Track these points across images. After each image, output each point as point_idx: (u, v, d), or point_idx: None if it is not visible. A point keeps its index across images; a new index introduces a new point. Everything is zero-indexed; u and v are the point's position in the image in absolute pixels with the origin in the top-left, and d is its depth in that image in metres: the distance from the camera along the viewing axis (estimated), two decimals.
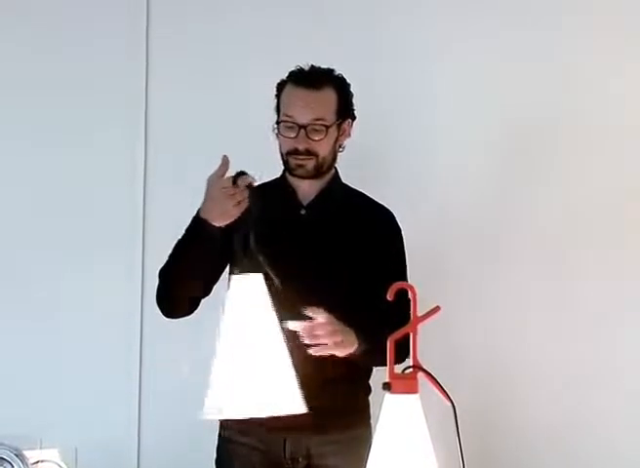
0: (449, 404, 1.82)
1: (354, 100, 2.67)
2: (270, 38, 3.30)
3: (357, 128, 2.68)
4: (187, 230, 2.52)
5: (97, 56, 3.35)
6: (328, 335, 2.39)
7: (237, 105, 3.30)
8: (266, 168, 2.65)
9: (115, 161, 3.36)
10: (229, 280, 1.91)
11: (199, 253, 2.47)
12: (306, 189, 2.67)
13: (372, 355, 2.50)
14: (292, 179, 2.67)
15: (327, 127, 2.59)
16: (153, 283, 2.61)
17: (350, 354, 2.46)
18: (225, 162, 2.30)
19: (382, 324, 2.53)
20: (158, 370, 3.27)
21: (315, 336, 2.36)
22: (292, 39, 3.27)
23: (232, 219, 2.33)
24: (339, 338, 2.41)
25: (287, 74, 2.65)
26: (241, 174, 2.27)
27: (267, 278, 1.95)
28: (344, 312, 2.57)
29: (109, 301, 3.34)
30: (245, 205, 2.26)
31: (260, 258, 1.87)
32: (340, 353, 2.43)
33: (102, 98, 3.35)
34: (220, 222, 2.38)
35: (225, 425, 2.64)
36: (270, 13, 3.33)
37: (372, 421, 2.61)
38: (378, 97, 3.21)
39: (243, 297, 1.83)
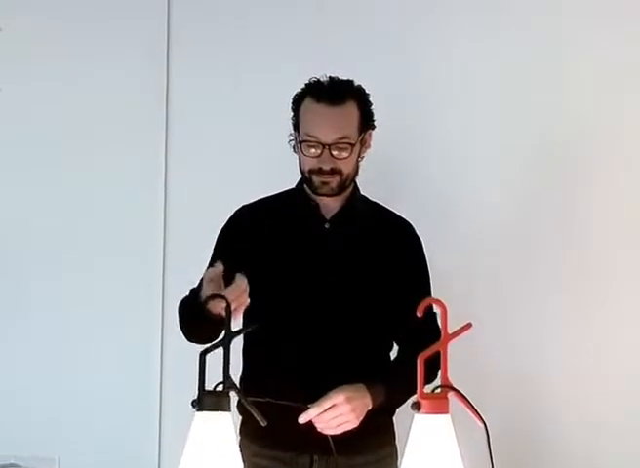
0: (481, 425, 1.76)
1: (374, 110, 2.57)
2: (298, 44, 3.25)
3: (383, 140, 2.62)
4: (191, 291, 2.44)
5: (118, 79, 3.33)
6: (347, 419, 2.35)
7: (257, 118, 3.24)
8: (287, 180, 2.61)
9: (136, 190, 3.33)
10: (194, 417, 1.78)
11: (199, 319, 2.34)
12: (329, 203, 2.58)
13: (393, 401, 2.48)
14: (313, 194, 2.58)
15: (352, 145, 2.49)
16: (174, 306, 2.55)
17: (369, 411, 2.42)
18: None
19: (401, 361, 2.55)
20: (178, 390, 3.18)
21: (338, 425, 2.34)
22: (314, 49, 3.21)
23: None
24: (357, 413, 2.36)
25: (304, 87, 2.53)
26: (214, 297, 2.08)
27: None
28: (369, 331, 2.53)
29: (130, 321, 3.28)
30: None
31: (236, 393, 1.78)
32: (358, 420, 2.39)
33: (125, 122, 3.33)
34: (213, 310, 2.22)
35: (248, 445, 2.56)
36: (292, 22, 3.28)
37: (397, 442, 2.57)
38: (405, 107, 3.16)
39: (207, 439, 1.73)
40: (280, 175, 2.59)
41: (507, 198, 3.16)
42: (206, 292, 2.23)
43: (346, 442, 2.35)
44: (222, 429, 1.73)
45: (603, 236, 3.11)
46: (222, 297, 1.92)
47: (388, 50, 3.21)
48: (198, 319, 2.28)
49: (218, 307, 2.11)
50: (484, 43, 3.18)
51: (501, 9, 3.17)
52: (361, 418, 2.37)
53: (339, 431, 2.34)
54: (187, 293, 2.49)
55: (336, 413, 2.33)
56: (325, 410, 2.32)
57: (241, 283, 2.18)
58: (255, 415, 1.84)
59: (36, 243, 3.32)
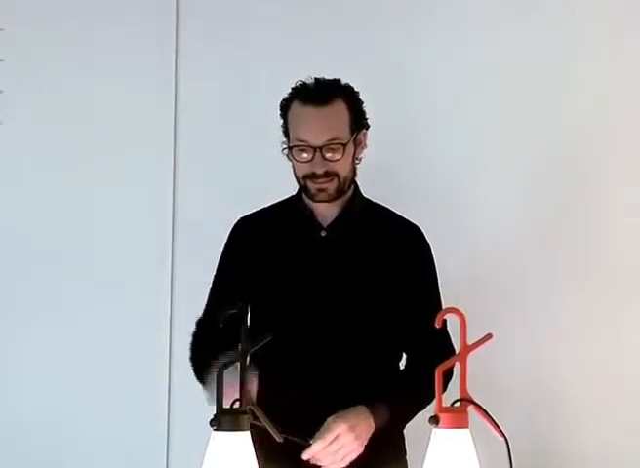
0: (502, 439, 1.71)
1: (370, 109, 2.50)
2: (304, 47, 3.22)
3: (389, 140, 2.56)
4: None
5: (126, 87, 3.30)
6: (352, 448, 2.28)
7: (267, 123, 3.19)
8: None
9: (143, 191, 3.29)
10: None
11: None
12: (326, 209, 2.50)
13: (398, 419, 2.42)
14: (309, 200, 2.50)
15: (344, 145, 2.41)
16: (182, 312, 2.50)
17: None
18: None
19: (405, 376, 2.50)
20: (187, 400, 3.12)
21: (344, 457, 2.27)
22: (326, 48, 3.18)
23: None
24: (361, 440, 2.29)
25: (290, 91, 2.47)
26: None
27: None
28: (372, 341, 2.46)
29: (137, 329, 3.23)
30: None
31: (253, 410, 1.76)
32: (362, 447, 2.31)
33: (132, 126, 3.30)
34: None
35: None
36: (301, 20, 3.26)
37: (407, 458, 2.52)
38: (411, 107, 3.14)
39: (225, 458, 1.70)
40: (291, 180, 2.53)
41: (520, 199, 3.14)
42: None
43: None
44: (242, 450, 1.69)
45: (622, 239, 3.10)
46: None
47: (393, 49, 3.19)
48: None
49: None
50: (491, 41, 3.17)
51: (508, 8, 3.17)
52: (365, 443, 2.30)
53: (345, 464, 2.27)
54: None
55: (339, 444, 2.26)
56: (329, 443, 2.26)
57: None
58: (270, 430, 1.78)
59: (39, 247, 3.28)
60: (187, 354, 2.47)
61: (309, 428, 2.29)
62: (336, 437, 2.24)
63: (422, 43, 3.20)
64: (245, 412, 1.72)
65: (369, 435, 2.30)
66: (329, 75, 2.46)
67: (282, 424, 1.96)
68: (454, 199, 3.16)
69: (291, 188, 2.56)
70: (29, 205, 3.29)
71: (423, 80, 3.19)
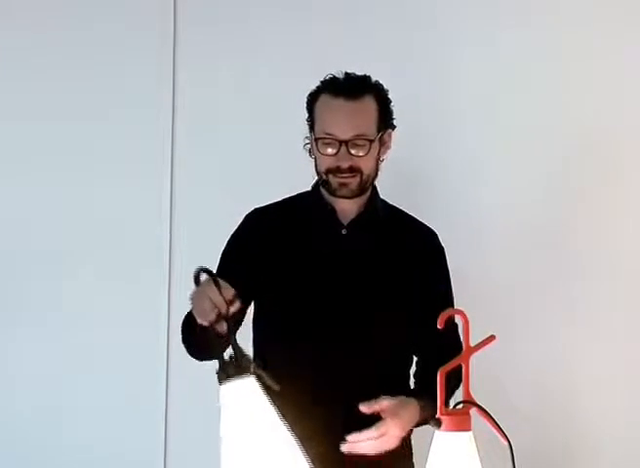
0: (505, 443, 1.69)
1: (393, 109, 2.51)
2: (303, 46, 3.21)
3: (398, 142, 2.54)
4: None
5: (124, 87, 3.30)
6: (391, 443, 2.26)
7: (264, 120, 3.21)
8: (296, 183, 2.55)
9: (141, 193, 3.29)
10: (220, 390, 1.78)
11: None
12: (346, 207, 2.50)
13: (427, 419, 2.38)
14: (330, 197, 2.49)
15: (370, 141, 2.41)
16: (179, 323, 2.47)
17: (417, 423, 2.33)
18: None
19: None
20: (184, 409, 3.19)
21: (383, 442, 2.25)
22: (326, 47, 3.17)
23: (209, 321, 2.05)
24: (405, 426, 2.28)
25: (319, 84, 2.46)
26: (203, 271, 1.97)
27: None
28: (387, 341, 2.45)
29: (135, 328, 3.23)
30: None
31: (248, 362, 1.79)
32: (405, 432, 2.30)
33: (132, 125, 3.30)
34: (200, 321, 2.10)
35: None
36: (301, 18, 3.25)
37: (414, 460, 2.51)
38: (408, 119, 3.09)
39: (239, 405, 1.76)
40: (290, 177, 2.54)
41: (526, 201, 3.13)
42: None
43: (359, 459, 2.26)
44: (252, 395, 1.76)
45: (628, 240, 3.09)
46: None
47: (395, 49, 3.18)
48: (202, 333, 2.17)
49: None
50: (492, 41, 3.16)
51: (508, 8, 3.16)
52: (409, 427, 2.30)
53: (374, 452, 2.25)
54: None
55: (385, 437, 2.25)
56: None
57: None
58: (268, 382, 1.79)
59: (39, 246, 3.28)
60: (186, 354, 2.46)
61: (319, 429, 2.28)
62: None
63: (426, 43, 3.19)
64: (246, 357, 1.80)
65: (412, 419, 2.29)
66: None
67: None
68: (459, 199, 3.16)
69: (291, 186, 2.56)
70: (29, 205, 3.28)
71: (425, 80, 3.18)
